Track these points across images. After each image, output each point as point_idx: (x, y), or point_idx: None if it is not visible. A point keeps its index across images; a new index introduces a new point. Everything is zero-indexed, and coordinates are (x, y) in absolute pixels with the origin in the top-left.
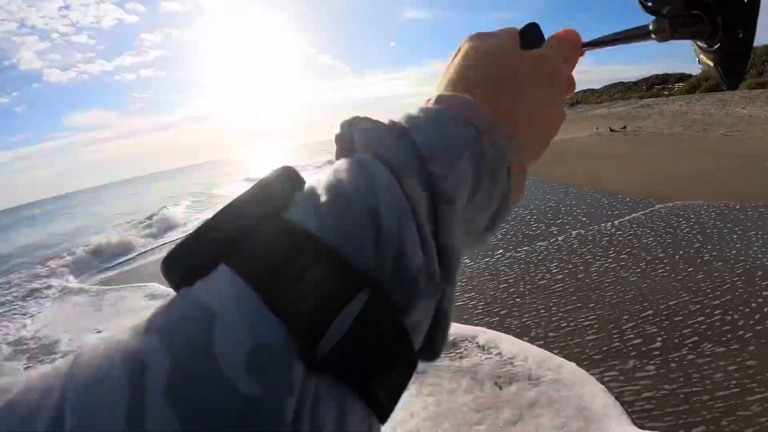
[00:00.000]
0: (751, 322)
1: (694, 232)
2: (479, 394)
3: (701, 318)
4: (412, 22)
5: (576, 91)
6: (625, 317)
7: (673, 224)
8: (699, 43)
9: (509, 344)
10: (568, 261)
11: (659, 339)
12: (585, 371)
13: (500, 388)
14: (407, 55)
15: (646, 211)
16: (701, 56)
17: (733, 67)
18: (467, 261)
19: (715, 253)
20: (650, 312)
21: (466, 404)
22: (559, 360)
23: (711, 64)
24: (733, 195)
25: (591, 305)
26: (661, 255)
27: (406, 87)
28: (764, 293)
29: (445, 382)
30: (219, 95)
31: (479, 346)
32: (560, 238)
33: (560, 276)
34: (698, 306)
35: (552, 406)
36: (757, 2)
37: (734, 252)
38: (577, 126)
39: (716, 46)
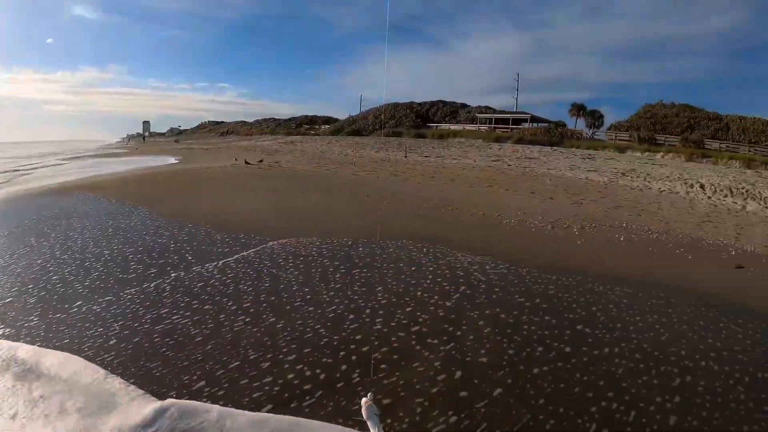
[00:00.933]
0: (337, 375)
1: (297, 272)
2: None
3: (269, 379)
4: (78, 21)
5: (229, 121)
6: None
7: (280, 263)
8: None
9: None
10: (141, 317)
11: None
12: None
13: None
14: (63, 57)
15: (259, 248)
16: None
17: None
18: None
19: (309, 296)
20: (203, 383)
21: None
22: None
23: None
24: (350, 231)
25: (135, 377)
26: (247, 304)
27: (56, 93)
28: (354, 338)
29: None
30: None
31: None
32: (153, 285)
33: (116, 340)
34: (269, 363)
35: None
36: None
37: (332, 293)
38: (220, 156)
39: None
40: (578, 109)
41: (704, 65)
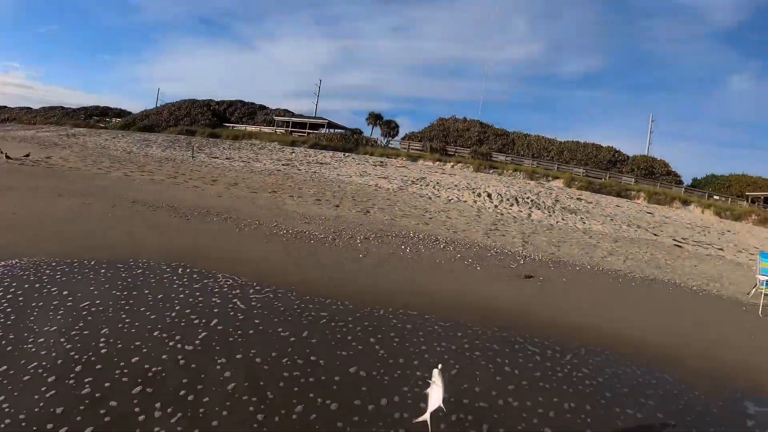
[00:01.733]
0: None
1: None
2: None
3: None
4: None
5: (13, 107)
6: None
7: None
8: None
9: None
10: None
11: None
12: None
13: None
14: None
15: None
16: None
17: None
18: None
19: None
20: None
21: None
22: None
23: None
24: (99, 248)
25: None
26: None
27: None
28: (49, 414)
29: None
30: None
31: None
32: None
33: None
34: None
35: None
36: None
37: (31, 342)
38: None
39: None
40: (375, 118)
41: (497, 87)
